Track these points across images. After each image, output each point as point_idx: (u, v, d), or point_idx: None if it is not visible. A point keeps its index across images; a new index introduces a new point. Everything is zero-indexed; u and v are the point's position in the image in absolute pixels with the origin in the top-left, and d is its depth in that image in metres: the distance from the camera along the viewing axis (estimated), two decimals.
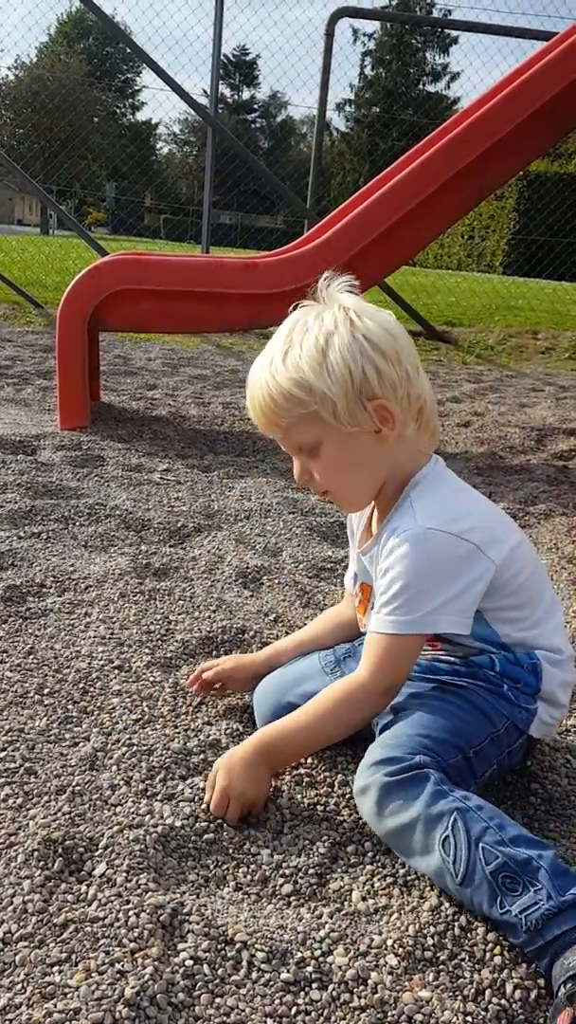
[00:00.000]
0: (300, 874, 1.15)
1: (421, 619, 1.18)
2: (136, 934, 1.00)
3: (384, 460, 1.27)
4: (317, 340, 1.20)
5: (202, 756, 1.37)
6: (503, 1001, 0.95)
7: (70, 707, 1.49)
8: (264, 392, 1.23)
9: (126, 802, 1.24)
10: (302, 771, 1.35)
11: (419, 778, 1.11)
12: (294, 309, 1.28)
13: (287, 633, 1.82)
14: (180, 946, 0.99)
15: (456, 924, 1.04)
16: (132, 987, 0.92)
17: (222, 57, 7.95)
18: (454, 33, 41.35)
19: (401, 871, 1.15)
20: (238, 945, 1.00)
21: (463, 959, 1.00)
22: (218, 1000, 0.94)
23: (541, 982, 0.98)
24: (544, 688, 1.29)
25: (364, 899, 1.11)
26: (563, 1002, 0.92)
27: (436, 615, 1.18)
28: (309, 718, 1.25)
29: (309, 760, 1.38)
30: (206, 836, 1.19)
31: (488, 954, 1.00)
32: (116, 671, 1.62)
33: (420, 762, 1.13)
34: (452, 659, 1.32)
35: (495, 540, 1.23)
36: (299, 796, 1.29)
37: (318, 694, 1.27)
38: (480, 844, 1.04)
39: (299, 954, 1.00)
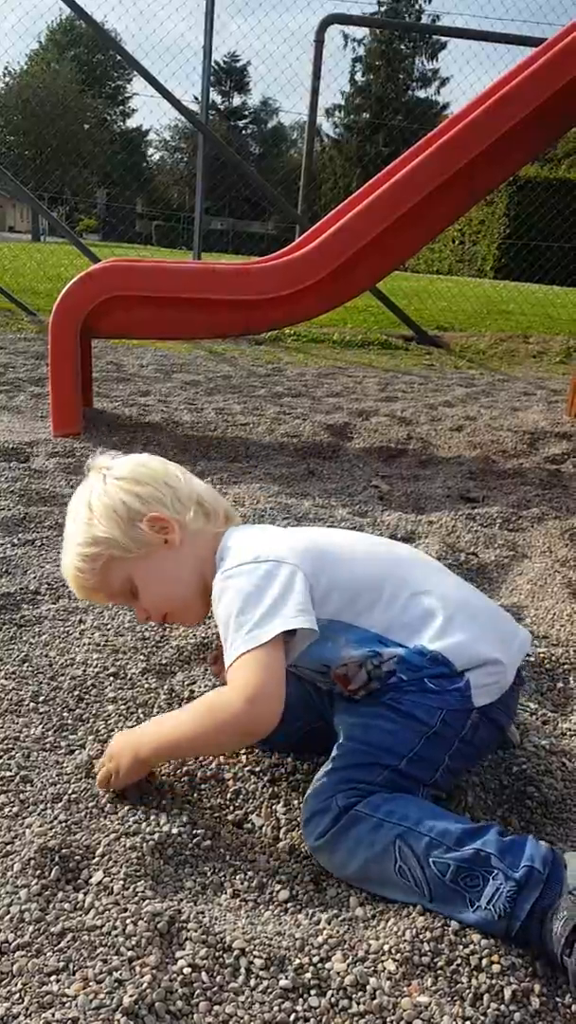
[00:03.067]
0: (297, 880, 1.15)
1: (256, 630, 1.15)
2: (134, 942, 0.99)
3: (188, 562, 1.33)
4: (82, 505, 1.37)
5: (197, 762, 1.37)
6: (501, 1006, 0.95)
7: (65, 715, 1.49)
8: (71, 569, 1.35)
9: (122, 810, 1.24)
10: (298, 776, 1.35)
11: (347, 824, 1.12)
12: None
13: None
14: (178, 954, 0.99)
15: (452, 930, 1.04)
16: (130, 995, 0.92)
17: (213, 64, 7.97)
18: (443, 39, 41.60)
19: None
20: (236, 952, 0.99)
21: (461, 964, 1.00)
22: (217, 1008, 0.93)
23: (538, 987, 0.98)
24: (452, 654, 1.22)
25: (361, 905, 1.11)
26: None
27: (269, 620, 1.16)
28: (179, 721, 1.23)
29: (305, 765, 1.38)
30: (203, 843, 1.19)
31: (485, 960, 1.00)
32: (111, 678, 1.61)
33: (342, 806, 1.13)
34: (363, 688, 1.23)
35: (292, 550, 1.26)
36: (295, 802, 1.29)
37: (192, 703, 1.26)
38: (430, 860, 1.07)
39: (297, 960, 0.99)
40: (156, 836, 1.17)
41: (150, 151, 59.39)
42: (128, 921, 1.02)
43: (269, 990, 0.96)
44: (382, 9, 44.30)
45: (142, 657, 1.70)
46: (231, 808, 1.28)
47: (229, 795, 1.31)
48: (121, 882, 1.09)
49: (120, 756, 1.25)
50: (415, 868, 1.07)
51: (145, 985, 0.93)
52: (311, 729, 1.38)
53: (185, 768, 1.35)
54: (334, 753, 1.20)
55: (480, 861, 1.05)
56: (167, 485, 1.35)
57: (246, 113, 60.67)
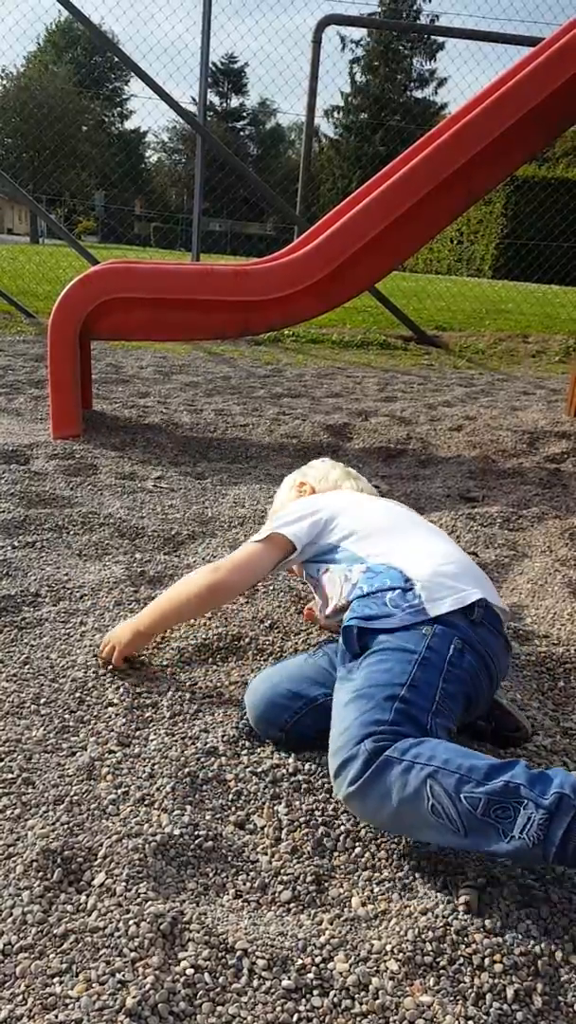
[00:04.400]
0: (299, 881, 1.15)
1: (262, 534, 1.62)
2: (136, 943, 0.99)
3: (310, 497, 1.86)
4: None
5: (199, 763, 1.37)
6: (504, 1006, 0.95)
7: (67, 717, 1.49)
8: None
9: (124, 811, 1.24)
10: (300, 777, 1.35)
11: (379, 769, 1.16)
12: None
13: (282, 639, 1.82)
14: (181, 955, 0.99)
15: (454, 929, 1.04)
16: (133, 997, 0.92)
17: (210, 65, 7.97)
18: (440, 39, 41.63)
19: (399, 875, 1.16)
20: (239, 953, 1.00)
21: (463, 964, 1.00)
22: (219, 1008, 0.94)
23: (541, 986, 0.98)
24: (411, 572, 1.44)
25: (364, 904, 1.11)
26: None
27: (270, 531, 1.62)
28: (167, 592, 1.63)
29: (306, 766, 1.38)
30: (205, 844, 1.19)
31: (488, 959, 1.01)
32: (112, 680, 1.62)
33: (371, 750, 1.17)
34: (358, 608, 1.44)
35: (331, 503, 1.70)
36: (297, 802, 1.29)
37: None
38: (462, 795, 1.10)
39: (300, 961, 1.00)
40: (158, 837, 1.18)
41: (148, 153, 59.43)
42: (131, 922, 1.02)
43: (272, 990, 0.96)
44: (380, 10, 44.34)
45: (143, 658, 1.70)
46: (233, 809, 1.28)
47: (231, 796, 1.31)
48: (123, 883, 1.09)
49: (120, 636, 1.62)
50: (448, 806, 1.10)
51: (148, 986, 0.94)
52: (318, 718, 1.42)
53: (187, 769, 1.35)
54: (344, 704, 1.28)
55: (510, 792, 1.08)
56: (323, 475, 1.96)
57: (244, 114, 60.68)
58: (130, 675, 1.64)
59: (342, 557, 1.58)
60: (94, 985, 0.94)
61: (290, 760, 1.40)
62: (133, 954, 0.98)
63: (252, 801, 1.30)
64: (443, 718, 1.26)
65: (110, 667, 1.63)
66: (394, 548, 1.53)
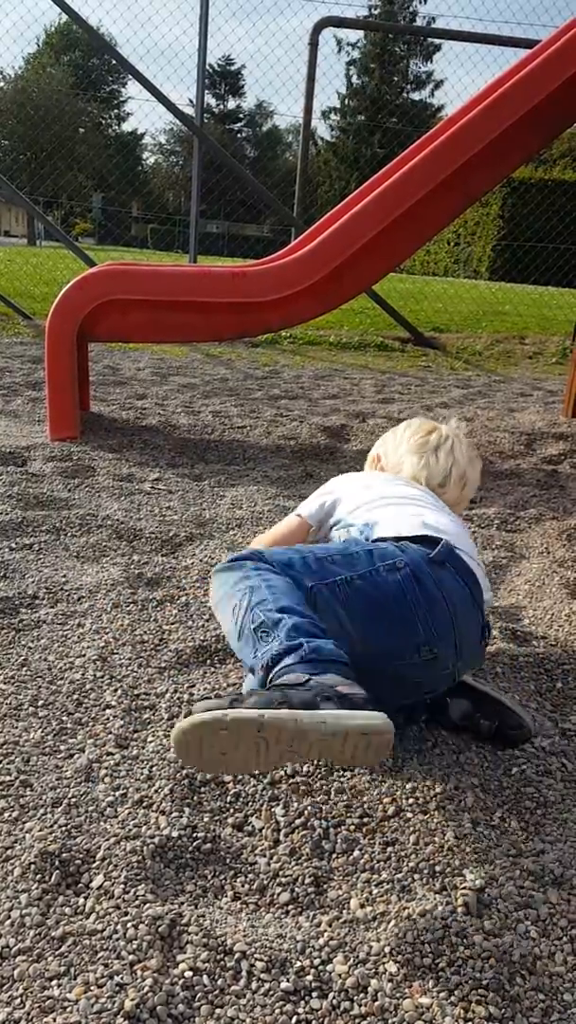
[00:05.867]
0: (298, 883, 1.15)
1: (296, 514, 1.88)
2: (135, 946, 0.99)
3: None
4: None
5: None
6: (503, 1007, 0.95)
7: (64, 719, 1.49)
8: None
9: (122, 813, 1.24)
10: (298, 779, 1.35)
11: (234, 567, 1.46)
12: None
13: None
14: (179, 957, 0.99)
15: (453, 931, 1.04)
16: (132, 999, 0.92)
17: (207, 67, 7.98)
18: (437, 41, 41.69)
19: (398, 876, 1.15)
20: (237, 955, 0.99)
21: (462, 965, 1.00)
22: (218, 1011, 0.93)
23: (540, 986, 0.98)
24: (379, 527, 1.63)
25: (362, 906, 1.11)
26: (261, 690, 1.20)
27: (299, 508, 1.89)
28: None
29: (305, 768, 1.38)
30: (203, 846, 1.19)
31: (487, 961, 1.01)
32: (110, 682, 1.61)
33: (243, 556, 1.49)
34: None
35: (340, 486, 1.89)
36: (295, 804, 1.29)
37: None
38: (254, 609, 1.33)
39: (298, 963, 0.99)
40: (156, 839, 1.17)
41: (145, 155, 59.45)
42: (129, 925, 1.02)
43: (270, 993, 0.96)
44: (376, 12, 44.40)
45: (141, 660, 1.70)
46: (231, 811, 1.28)
47: (229, 798, 1.31)
48: (122, 886, 1.09)
49: None
50: (242, 609, 1.36)
51: (146, 989, 0.93)
52: None
53: (184, 771, 1.35)
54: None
55: (278, 625, 1.29)
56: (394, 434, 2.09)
57: (241, 116, 60.71)
58: (128, 677, 1.64)
59: (341, 525, 1.76)
60: (92, 988, 0.94)
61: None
62: (132, 957, 0.98)
63: (250, 803, 1.30)
64: (332, 593, 1.40)
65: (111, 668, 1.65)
66: (383, 516, 1.66)
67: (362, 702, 1.15)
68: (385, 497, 1.74)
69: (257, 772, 1.32)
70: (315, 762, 1.38)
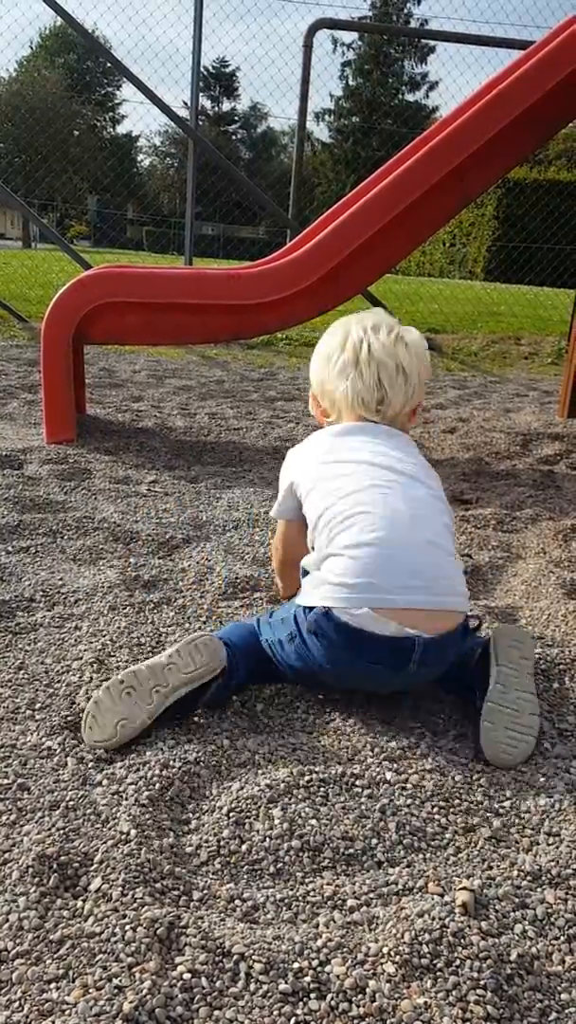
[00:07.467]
0: (296, 883, 1.15)
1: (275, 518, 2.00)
2: (133, 948, 0.99)
3: None
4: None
5: (196, 765, 1.37)
6: (502, 1007, 0.95)
7: (62, 722, 1.49)
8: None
9: (120, 815, 1.23)
10: (298, 781, 1.35)
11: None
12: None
13: None
14: (177, 959, 0.99)
15: (451, 931, 1.04)
16: (130, 1002, 0.92)
17: (202, 69, 7.98)
18: (431, 43, 41.74)
19: (396, 877, 1.15)
20: (235, 957, 0.99)
21: (460, 966, 1.00)
22: (217, 1013, 0.93)
23: (538, 986, 0.98)
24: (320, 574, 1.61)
25: (360, 908, 1.11)
26: None
27: (273, 515, 1.97)
28: None
29: (301, 770, 1.38)
30: (201, 848, 1.19)
31: (482, 964, 1.01)
32: (107, 684, 1.61)
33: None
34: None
35: (298, 476, 1.82)
36: (293, 806, 1.29)
37: None
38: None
39: (297, 964, 1.00)
40: (154, 842, 1.17)
41: (140, 157, 59.46)
42: (127, 927, 1.02)
43: (269, 994, 0.96)
44: (371, 13, 44.46)
45: (138, 663, 1.70)
46: (229, 813, 1.28)
47: (229, 799, 1.30)
48: (120, 888, 1.09)
49: None
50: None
51: (145, 991, 0.93)
52: None
53: (184, 773, 1.34)
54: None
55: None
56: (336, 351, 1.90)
57: (236, 118, 60.74)
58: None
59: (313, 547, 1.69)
60: (91, 991, 0.94)
61: (287, 764, 1.40)
62: (130, 959, 0.98)
63: (249, 804, 1.30)
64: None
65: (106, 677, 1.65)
66: (331, 564, 1.55)
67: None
68: (329, 504, 1.60)
69: (150, 722, 1.44)
70: (314, 763, 1.39)
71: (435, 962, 1.01)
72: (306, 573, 1.66)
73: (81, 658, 1.70)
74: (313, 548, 1.65)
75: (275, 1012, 0.94)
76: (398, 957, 1.01)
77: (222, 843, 1.21)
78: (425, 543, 1.53)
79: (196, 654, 1.48)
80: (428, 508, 1.61)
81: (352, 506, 1.56)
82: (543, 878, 1.16)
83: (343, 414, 1.81)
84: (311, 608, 1.52)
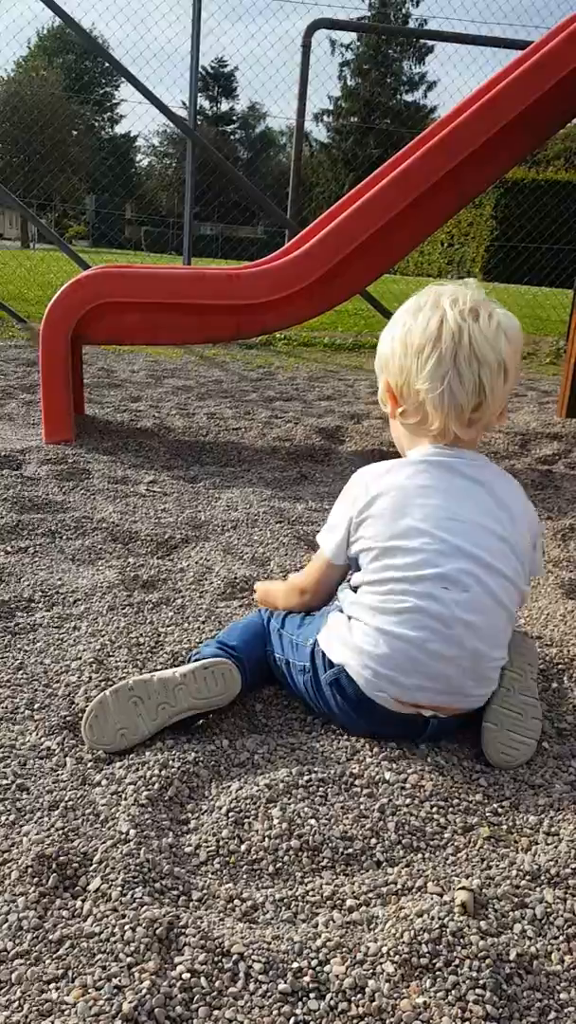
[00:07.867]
0: (295, 883, 1.15)
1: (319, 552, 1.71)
2: (132, 948, 0.99)
3: None
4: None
5: (196, 765, 1.37)
6: (501, 1007, 0.96)
7: (60, 722, 1.49)
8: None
9: (119, 815, 1.23)
10: (297, 782, 1.35)
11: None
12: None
13: None
14: (177, 959, 0.99)
15: (450, 931, 1.05)
16: (130, 1002, 0.92)
17: (200, 69, 7.98)
18: (429, 43, 41.75)
19: (395, 877, 1.16)
20: (235, 957, 0.99)
21: (458, 965, 1.00)
22: (216, 1012, 0.93)
23: (537, 985, 0.98)
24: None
25: (360, 907, 1.11)
26: None
27: (322, 540, 1.67)
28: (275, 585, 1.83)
29: (302, 773, 1.38)
30: (200, 848, 1.19)
31: (482, 963, 1.01)
32: (106, 684, 1.61)
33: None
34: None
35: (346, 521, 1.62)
36: (292, 806, 1.29)
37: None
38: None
39: (296, 964, 1.00)
40: (154, 842, 1.17)
41: (139, 157, 59.43)
42: (126, 927, 1.02)
43: (268, 994, 0.96)
44: (370, 13, 44.47)
45: (137, 663, 1.70)
46: (229, 812, 1.28)
47: (229, 799, 1.30)
48: (119, 888, 1.09)
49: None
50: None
51: (144, 991, 0.93)
52: None
53: (183, 773, 1.35)
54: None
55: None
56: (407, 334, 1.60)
57: (234, 118, 60.70)
58: (124, 680, 1.64)
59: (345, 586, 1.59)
60: (90, 991, 0.94)
61: (286, 764, 1.40)
62: (129, 959, 0.98)
63: (248, 804, 1.30)
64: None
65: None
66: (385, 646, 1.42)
67: (209, 657, 1.52)
68: (382, 578, 1.44)
69: (148, 733, 1.42)
70: (313, 764, 1.39)
71: (434, 962, 1.01)
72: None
73: (80, 658, 1.70)
74: (356, 581, 1.53)
75: (274, 1012, 0.94)
76: (397, 957, 1.01)
77: (221, 843, 1.21)
78: (470, 655, 1.41)
79: (211, 681, 1.44)
80: (489, 614, 1.43)
81: (403, 595, 1.41)
82: (542, 878, 1.17)
83: (430, 418, 1.46)
84: (331, 660, 1.48)
